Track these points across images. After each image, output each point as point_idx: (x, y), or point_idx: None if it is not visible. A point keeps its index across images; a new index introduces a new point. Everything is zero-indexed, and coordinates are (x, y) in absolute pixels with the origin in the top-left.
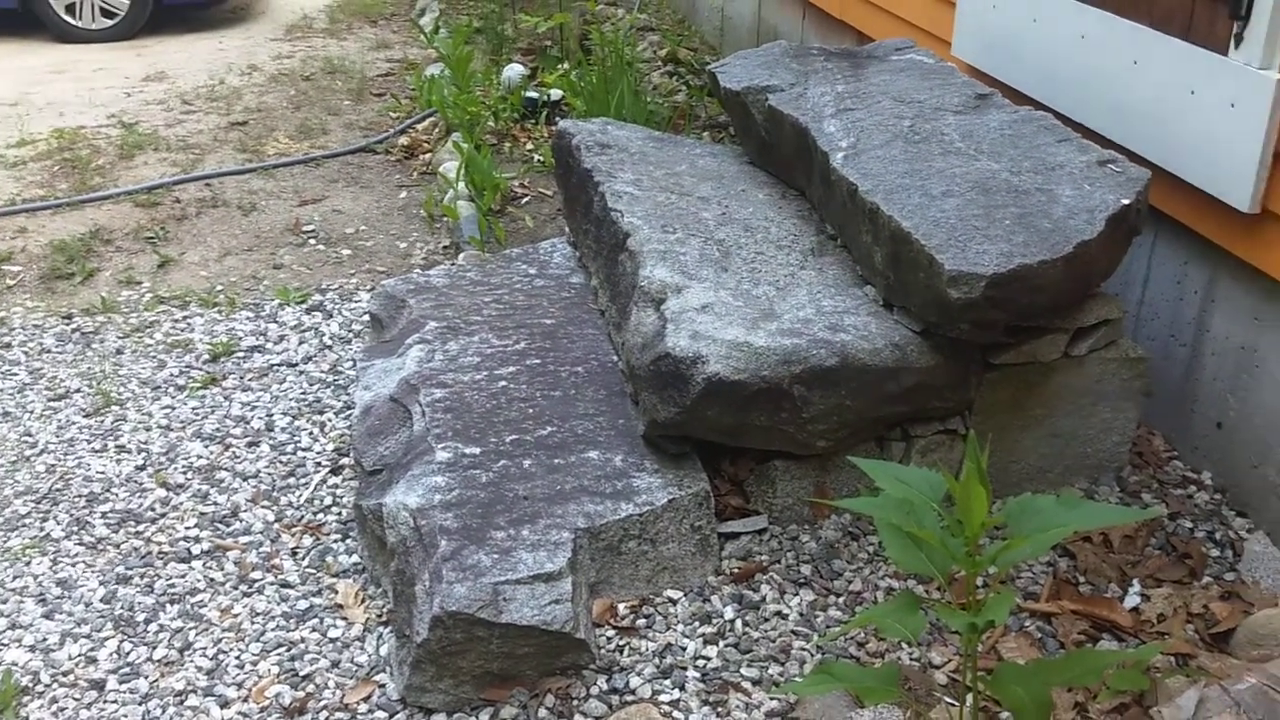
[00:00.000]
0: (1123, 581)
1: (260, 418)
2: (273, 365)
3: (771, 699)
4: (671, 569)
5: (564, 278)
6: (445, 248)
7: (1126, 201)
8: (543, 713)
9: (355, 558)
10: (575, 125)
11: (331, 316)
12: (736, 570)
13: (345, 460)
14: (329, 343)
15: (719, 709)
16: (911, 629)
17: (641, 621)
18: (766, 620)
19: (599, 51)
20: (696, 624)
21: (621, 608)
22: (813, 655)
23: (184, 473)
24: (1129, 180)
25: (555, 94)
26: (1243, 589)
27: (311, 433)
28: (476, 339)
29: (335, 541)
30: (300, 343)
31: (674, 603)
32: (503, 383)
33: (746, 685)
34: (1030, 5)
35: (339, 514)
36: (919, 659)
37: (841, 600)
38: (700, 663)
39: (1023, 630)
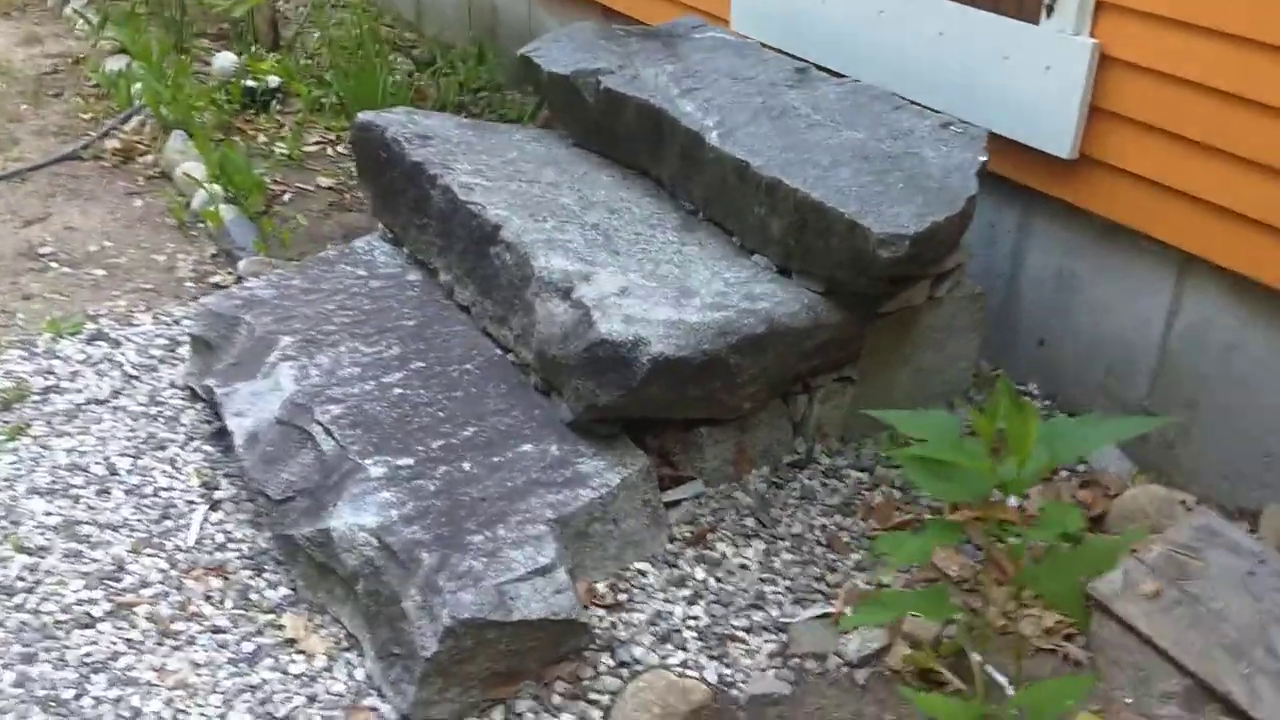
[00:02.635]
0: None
1: (96, 463)
2: (79, 405)
3: (767, 642)
4: (634, 544)
5: (399, 276)
6: (214, 256)
7: (983, 158)
8: (556, 699)
9: (284, 590)
10: (379, 116)
11: (120, 345)
12: (689, 535)
13: (220, 494)
14: (133, 373)
15: (724, 660)
16: (923, 554)
17: (623, 596)
18: (733, 574)
19: (301, 34)
20: (673, 589)
21: (600, 587)
22: (786, 595)
23: (40, 533)
24: (972, 139)
25: (274, 81)
26: (1097, 477)
27: (165, 471)
28: (344, 349)
29: (250, 578)
30: (99, 376)
31: (644, 574)
32: (398, 390)
33: (740, 634)
34: None
35: (240, 550)
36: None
37: (788, 544)
38: (691, 622)
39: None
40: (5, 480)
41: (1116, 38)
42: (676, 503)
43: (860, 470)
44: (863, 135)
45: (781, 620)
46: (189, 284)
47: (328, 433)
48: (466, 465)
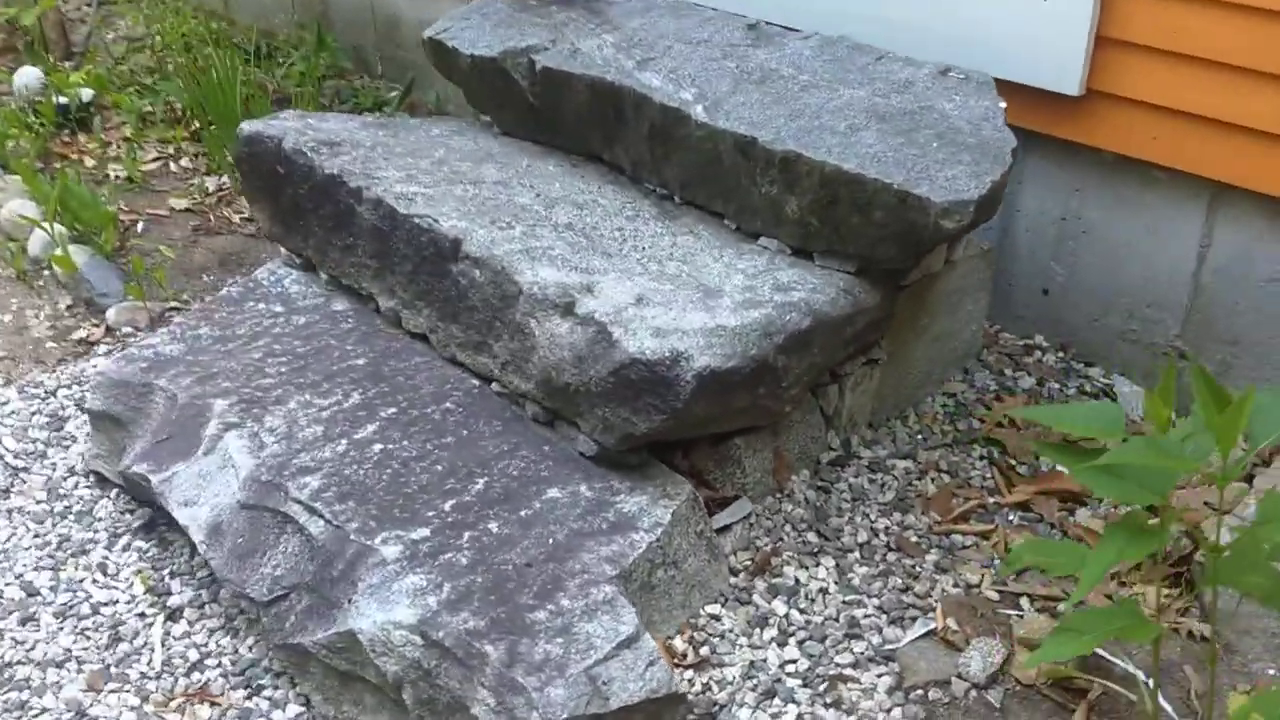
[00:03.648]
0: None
1: (7, 583)
2: None
3: (880, 676)
4: (698, 585)
5: (322, 308)
6: (71, 308)
7: (1003, 104)
8: None
9: (295, 708)
10: (267, 125)
11: None
12: (750, 563)
13: (174, 599)
14: (17, 463)
15: (842, 707)
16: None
17: (705, 650)
18: (814, 601)
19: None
20: (757, 631)
21: (677, 643)
22: (879, 616)
23: None
24: (979, 85)
25: (86, 94)
26: (1142, 429)
27: (96, 581)
28: (293, 406)
29: (246, 699)
30: None
31: (718, 619)
32: (377, 446)
33: (849, 672)
34: None
35: (220, 665)
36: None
37: (858, 555)
38: (790, 668)
39: (1015, 526)
40: None
41: None
42: (726, 528)
43: (902, 458)
44: (864, 93)
45: (886, 648)
46: (50, 345)
47: (311, 512)
48: (493, 526)
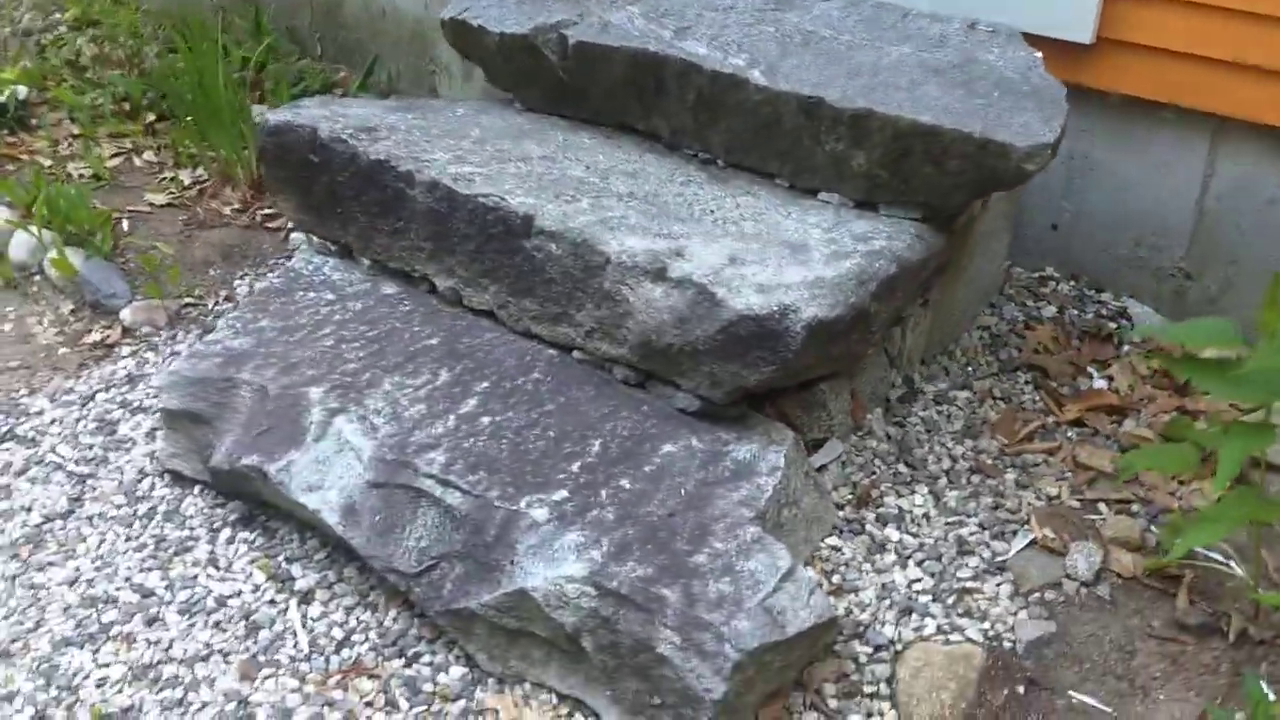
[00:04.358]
0: (1080, 374)
1: (118, 588)
2: (39, 527)
3: (999, 585)
4: (815, 521)
5: (372, 292)
6: (75, 312)
7: (1039, 54)
8: (833, 703)
9: (458, 669)
10: (297, 114)
11: (37, 443)
12: (852, 497)
13: (300, 583)
14: (80, 470)
15: (974, 615)
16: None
17: (837, 579)
18: (920, 525)
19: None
20: (877, 557)
21: (811, 573)
22: (982, 532)
23: (114, 691)
24: (1009, 37)
25: (22, 91)
26: (1160, 344)
27: (212, 575)
28: (388, 388)
29: (404, 667)
30: (38, 486)
31: (840, 550)
32: (485, 419)
33: (971, 585)
34: None
35: (369, 639)
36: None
37: (946, 481)
38: (918, 585)
39: (1077, 441)
40: (13, 640)
41: None
42: (823, 467)
43: (960, 389)
44: (908, 50)
45: (997, 560)
46: (64, 351)
47: (445, 484)
48: (625, 483)
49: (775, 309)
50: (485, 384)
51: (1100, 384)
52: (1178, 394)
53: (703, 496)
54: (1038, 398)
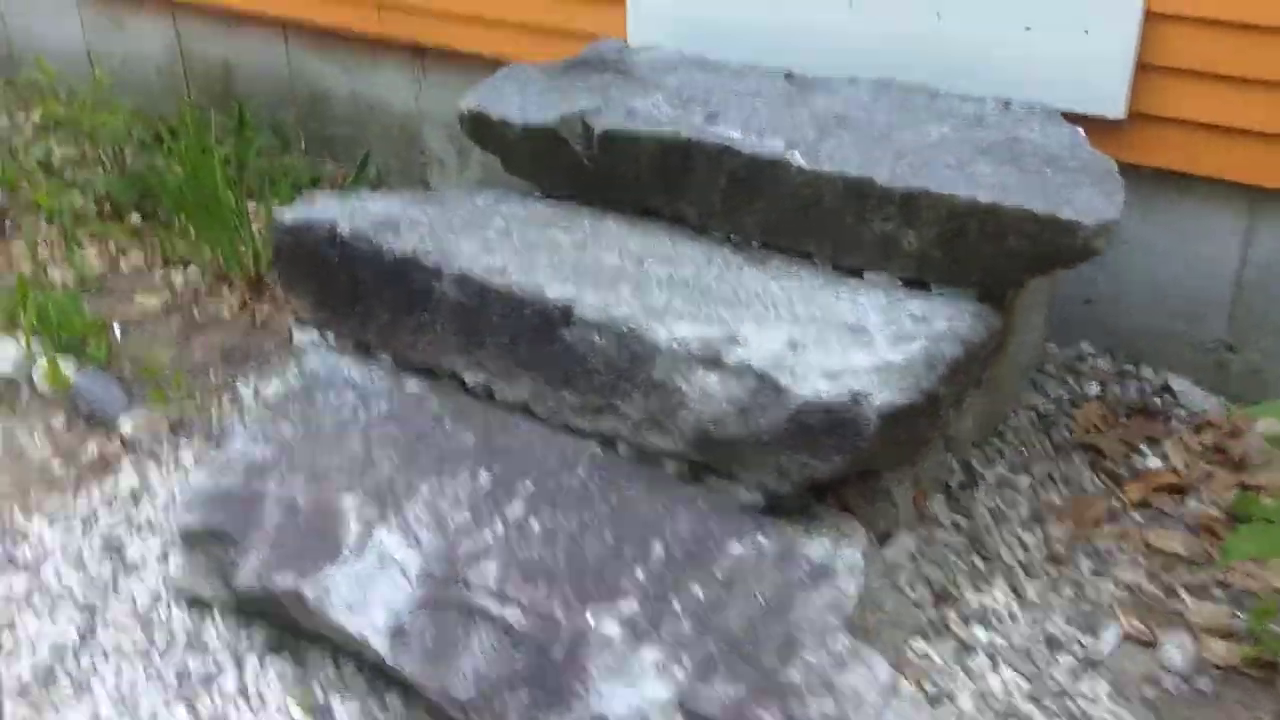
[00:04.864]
0: (1133, 452)
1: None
2: (51, 663)
3: (1096, 684)
4: (897, 623)
5: (395, 390)
6: (69, 426)
7: (1080, 129)
8: None
9: None
10: (313, 210)
11: (37, 569)
12: (930, 595)
13: (342, 715)
14: (90, 600)
15: (1076, 716)
16: None
17: (931, 688)
18: (1005, 623)
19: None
20: (968, 660)
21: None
22: (1072, 627)
23: None
24: (1047, 113)
25: None
26: (1209, 419)
27: (239, 708)
28: (426, 493)
29: None
30: (42, 616)
31: (929, 656)
32: (535, 525)
33: (1067, 684)
34: None
35: None
36: None
37: (1024, 574)
38: (1017, 690)
39: (1145, 524)
40: None
41: None
42: (895, 563)
43: (1021, 473)
44: (947, 129)
45: (1090, 657)
46: (59, 468)
47: (502, 599)
48: (697, 590)
49: (846, 396)
50: (530, 485)
51: (1155, 462)
52: (1234, 469)
53: (783, 602)
54: (1097, 479)
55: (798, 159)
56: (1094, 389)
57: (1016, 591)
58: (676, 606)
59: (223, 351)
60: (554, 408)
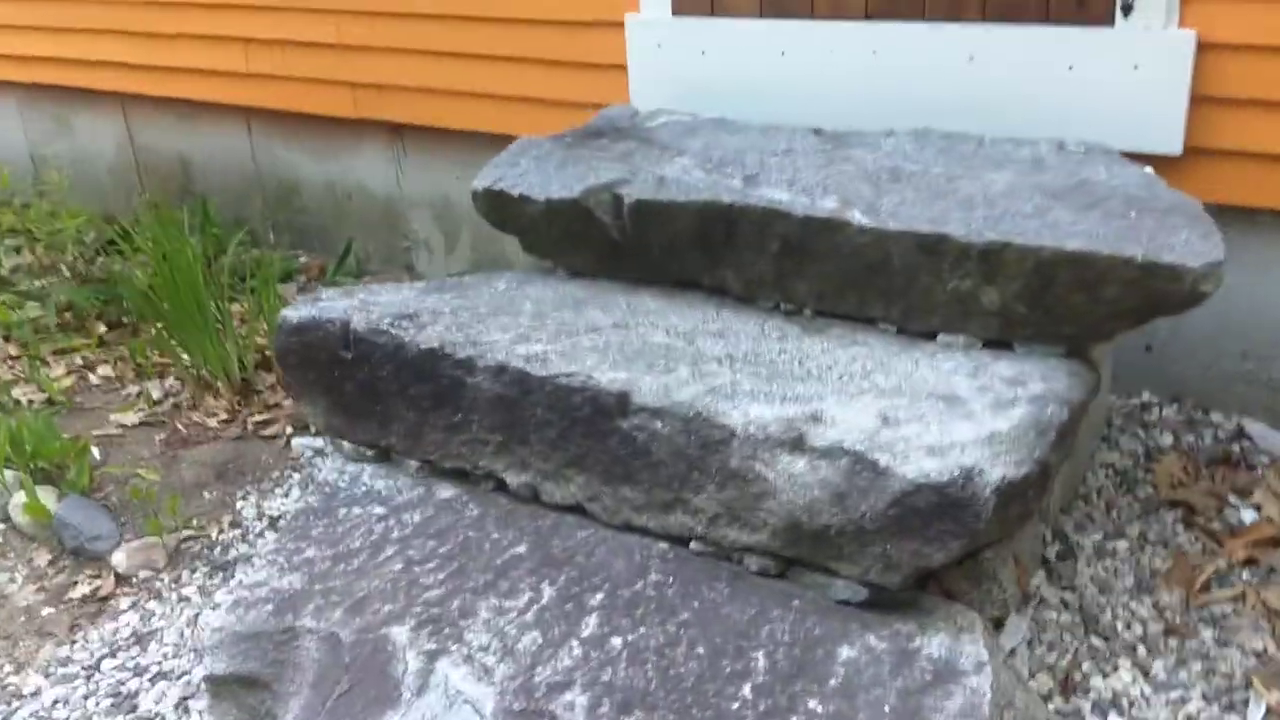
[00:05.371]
0: (1224, 505)
1: None
2: None
3: None
4: (1022, 714)
5: (427, 499)
6: (53, 562)
7: (1149, 168)
8: None
9: None
10: (322, 308)
11: None
12: (1053, 684)
13: None
14: None
15: None
16: None
17: None
18: (1141, 707)
19: None
20: None
21: None
22: (1208, 706)
23: None
24: (1105, 151)
25: None
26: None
27: None
28: (485, 615)
29: None
30: None
31: None
32: (615, 642)
33: None
34: (775, 40)
35: None
36: None
37: (1143, 651)
38: None
39: (1257, 583)
40: None
41: (1212, 23)
42: (1012, 651)
43: (1116, 538)
44: (1011, 176)
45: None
46: (47, 611)
47: None
48: (814, 705)
49: (957, 473)
50: (600, 595)
51: (1249, 514)
52: None
53: (911, 712)
54: (1193, 537)
55: (858, 218)
56: (1167, 440)
57: (1144, 670)
58: (803, 715)
59: (215, 467)
60: (612, 506)
